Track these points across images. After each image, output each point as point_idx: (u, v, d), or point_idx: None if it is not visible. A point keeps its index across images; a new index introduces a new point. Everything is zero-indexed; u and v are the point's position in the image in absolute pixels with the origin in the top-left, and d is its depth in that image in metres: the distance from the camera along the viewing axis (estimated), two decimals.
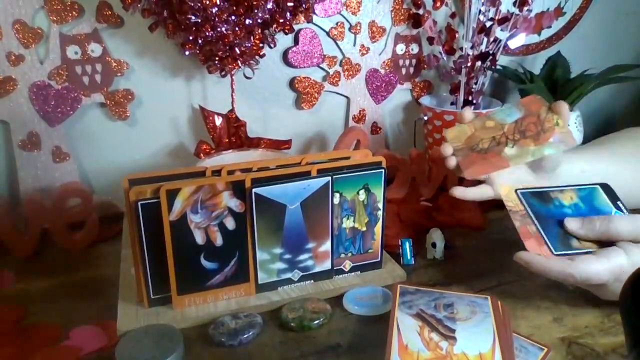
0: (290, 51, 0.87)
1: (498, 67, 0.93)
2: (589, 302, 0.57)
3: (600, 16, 1.08)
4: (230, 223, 0.55)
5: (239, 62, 0.75)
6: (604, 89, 0.98)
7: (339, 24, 0.89)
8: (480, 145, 0.64)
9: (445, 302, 0.53)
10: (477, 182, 0.66)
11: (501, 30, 0.89)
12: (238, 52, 0.74)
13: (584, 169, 0.67)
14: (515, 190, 0.62)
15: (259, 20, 0.72)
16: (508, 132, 0.65)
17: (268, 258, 0.57)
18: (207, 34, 0.70)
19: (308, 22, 0.84)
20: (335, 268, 0.61)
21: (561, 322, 0.54)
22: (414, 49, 0.96)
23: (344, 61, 0.91)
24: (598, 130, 0.89)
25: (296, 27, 0.84)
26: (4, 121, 0.76)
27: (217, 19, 0.69)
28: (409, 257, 0.66)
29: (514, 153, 0.63)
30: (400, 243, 0.67)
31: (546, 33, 1.04)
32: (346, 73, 0.92)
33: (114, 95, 0.80)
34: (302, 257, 0.58)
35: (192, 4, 0.67)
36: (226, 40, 0.71)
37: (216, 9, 0.67)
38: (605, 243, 0.55)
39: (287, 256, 0.58)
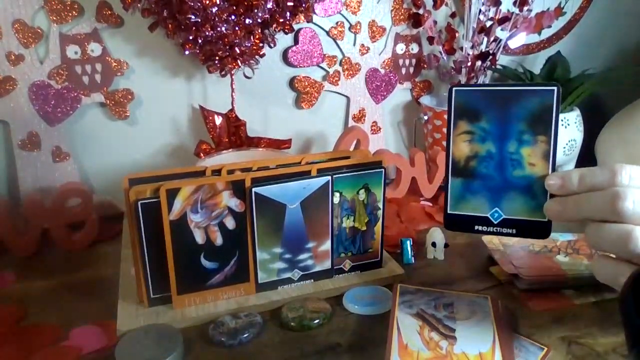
0: (290, 51, 0.87)
1: (498, 66, 0.93)
2: (589, 302, 0.57)
3: (600, 16, 1.08)
4: (230, 222, 0.55)
5: (239, 61, 0.76)
6: (604, 89, 0.98)
7: (339, 23, 0.89)
8: (531, 247, 0.65)
9: (445, 301, 0.53)
10: None
11: (501, 30, 0.89)
12: (238, 51, 0.74)
13: None
14: None
15: (258, 20, 0.72)
16: (561, 246, 0.65)
17: (268, 257, 0.57)
18: (207, 33, 0.70)
19: (308, 21, 0.84)
20: (335, 267, 0.61)
21: (561, 322, 0.54)
22: (414, 48, 0.96)
23: (343, 61, 0.91)
24: (598, 130, 0.89)
25: (296, 27, 0.84)
26: (4, 121, 0.76)
27: (217, 19, 0.69)
28: (409, 257, 0.66)
29: (567, 261, 0.63)
30: (400, 243, 0.67)
31: (546, 33, 1.04)
32: (346, 72, 0.92)
33: (113, 95, 0.80)
34: (302, 256, 0.58)
35: (192, 4, 0.67)
36: (226, 40, 0.71)
37: (216, 8, 0.67)
38: None
39: (287, 256, 0.58)
